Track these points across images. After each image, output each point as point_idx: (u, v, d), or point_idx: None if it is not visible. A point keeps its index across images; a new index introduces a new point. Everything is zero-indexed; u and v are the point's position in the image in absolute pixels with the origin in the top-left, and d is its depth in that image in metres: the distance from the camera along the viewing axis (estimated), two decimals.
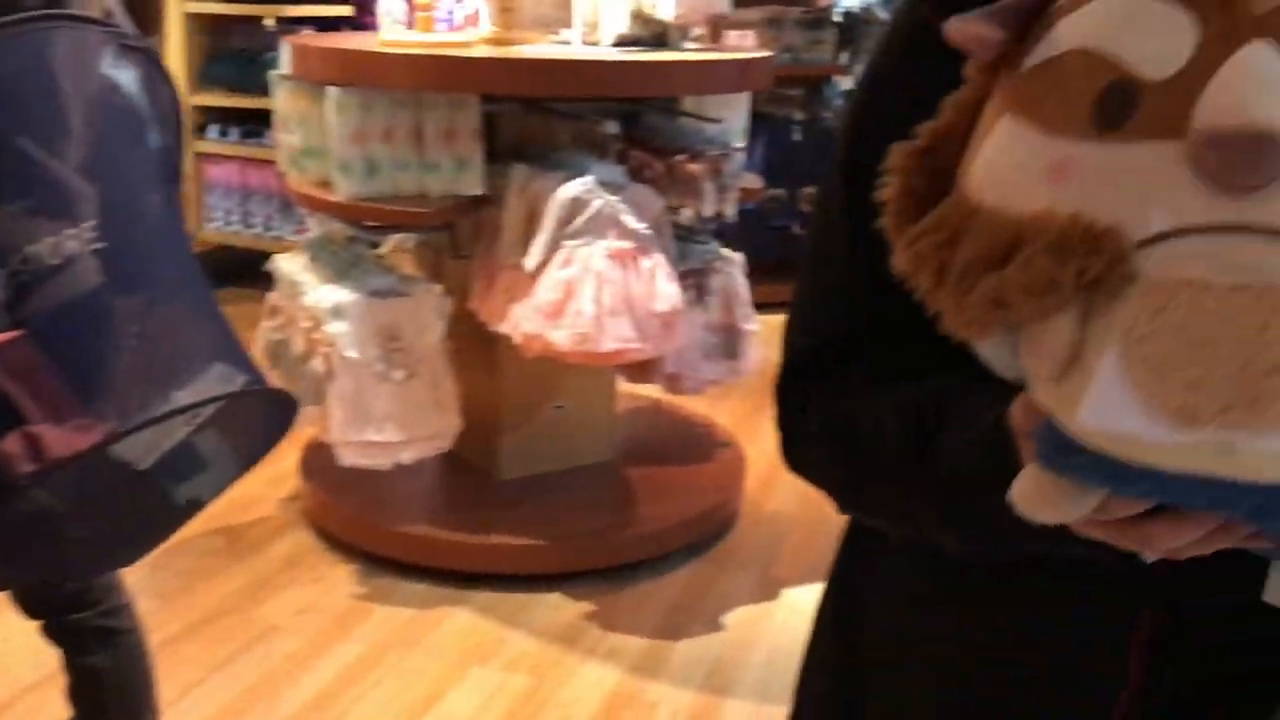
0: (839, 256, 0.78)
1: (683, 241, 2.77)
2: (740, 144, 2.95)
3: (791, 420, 0.81)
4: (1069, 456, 0.50)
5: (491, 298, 2.61)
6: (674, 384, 2.83)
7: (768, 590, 2.72)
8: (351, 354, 2.49)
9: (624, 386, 3.20)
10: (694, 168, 2.64)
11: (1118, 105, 0.50)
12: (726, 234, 3.00)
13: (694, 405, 3.43)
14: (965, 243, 0.54)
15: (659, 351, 2.54)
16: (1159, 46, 0.50)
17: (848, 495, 0.80)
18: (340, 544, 2.82)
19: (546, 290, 2.45)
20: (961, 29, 0.55)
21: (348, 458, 2.56)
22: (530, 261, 2.46)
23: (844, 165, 0.76)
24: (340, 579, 2.71)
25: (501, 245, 2.59)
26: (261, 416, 1.16)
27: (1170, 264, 0.48)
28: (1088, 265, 0.49)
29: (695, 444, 3.28)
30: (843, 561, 0.90)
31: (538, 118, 2.73)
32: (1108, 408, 0.48)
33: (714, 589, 2.73)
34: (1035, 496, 0.52)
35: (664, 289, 2.49)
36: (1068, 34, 0.53)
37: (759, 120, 4.64)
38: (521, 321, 2.49)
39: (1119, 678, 0.73)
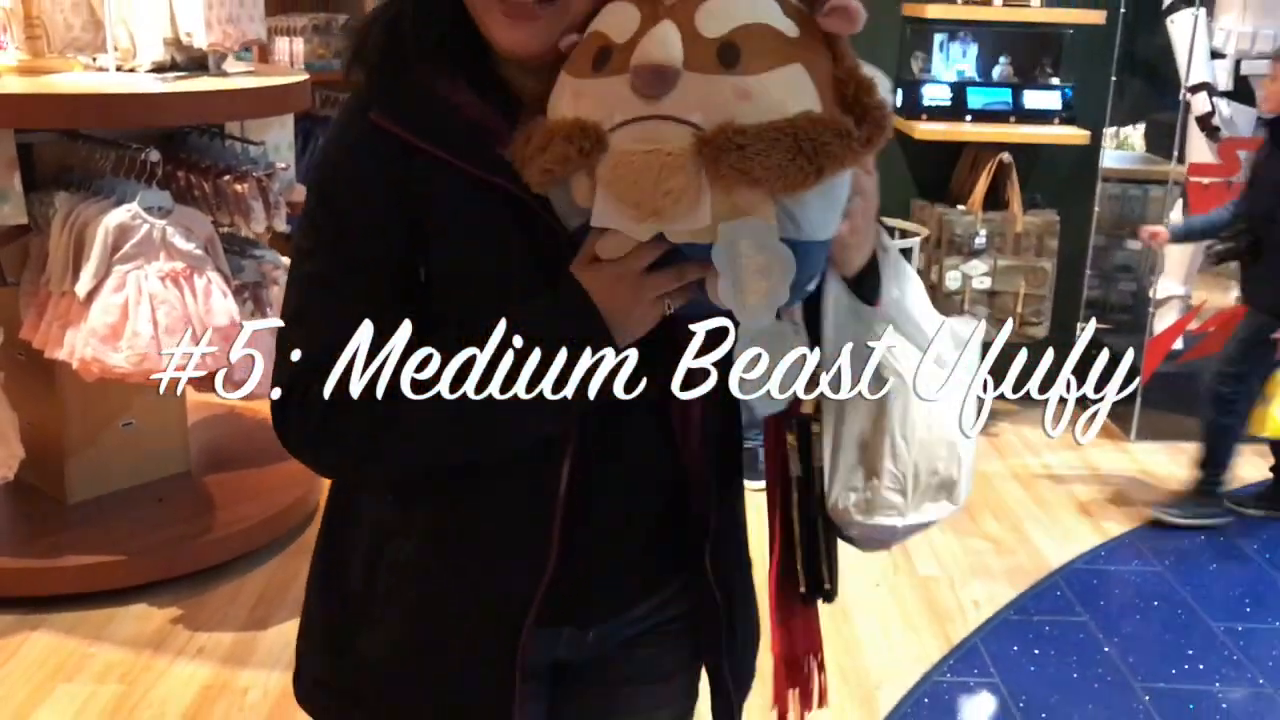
0: (340, 276, 0.99)
1: (238, 256, 2.93)
2: (286, 161, 3.13)
3: (319, 421, 0.98)
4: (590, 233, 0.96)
5: (44, 325, 2.64)
6: (239, 389, 2.98)
7: None
8: None
9: (194, 396, 3.30)
10: (240, 187, 2.80)
11: (603, 57, 0.93)
12: (284, 236, 3.15)
13: (267, 408, 3.58)
14: (533, 139, 0.94)
15: (220, 364, 2.68)
16: (621, 24, 0.94)
17: (381, 448, 0.99)
18: None
19: (101, 315, 2.53)
20: (566, 43, 0.97)
21: None
22: (81, 288, 2.53)
23: (324, 215, 1.01)
24: None
25: (50, 273, 2.64)
26: None
27: (622, 140, 0.91)
28: (583, 144, 0.91)
29: (271, 446, 3.41)
30: (328, 520, 1.16)
31: (78, 145, 2.77)
32: (603, 214, 0.92)
33: (297, 579, 2.89)
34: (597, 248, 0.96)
35: (220, 304, 2.64)
36: (592, 25, 0.98)
37: (315, 122, 4.79)
38: (78, 347, 2.55)
39: (547, 542, 1.03)
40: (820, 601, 1.15)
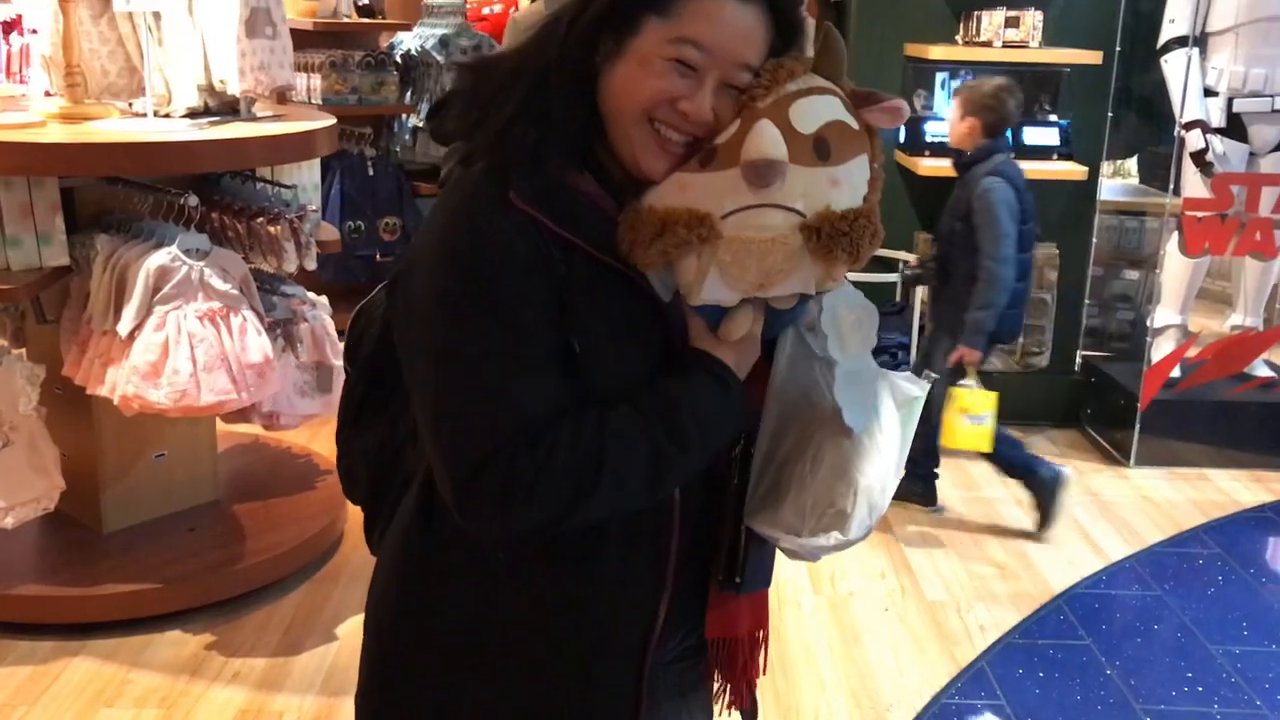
0: (515, 349, 1.06)
1: (269, 294, 3.04)
2: (315, 202, 3.24)
3: (527, 486, 1.02)
4: (705, 312, 1.11)
5: (85, 363, 2.75)
6: (272, 422, 3.09)
7: None
8: None
9: (224, 426, 3.41)
10: (274, 229, 2.91)
11: (710, 155, 1.08)
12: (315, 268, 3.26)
13: (294, 438, 3.69)
14: (643, 226, 1.08)
15: (256, 399, 2.80)
16: (729, 128, 1.08)
17: (591, 499, 1.05)
18: None
19: (142, 353, 2.64)
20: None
21: None
22: (124, 327, 2.64)
23: (479, 294, 1.06)
24: None
25: (91, 312, 2.75)
26: None
27: (735, 226, 1.05)
28: (700, 232, 1.05)
29: (298, 474, 3.54)
30: (403, 569, 1.22)
31: (118, 189, 2.88)
32: (713, 291, 1.07)
33: (327, 605, 3.03)
34: (700, 331, 1.13)
35: (255, 342, 2.75)
36: None
37: (334, 156, 4.92)
38: (119, 384, 2.66)
39: (662, 584, 1.16)
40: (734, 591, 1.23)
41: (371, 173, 5.31)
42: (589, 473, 1.04)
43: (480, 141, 1.12)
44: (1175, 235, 4.33)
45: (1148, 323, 4.38)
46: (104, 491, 3.08)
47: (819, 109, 1.08)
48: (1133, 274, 4.81)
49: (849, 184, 1.07)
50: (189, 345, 2.63)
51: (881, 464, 1.16)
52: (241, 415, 3.00)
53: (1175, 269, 4.36)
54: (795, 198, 1.04)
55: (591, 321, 1.08)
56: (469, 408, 1.04)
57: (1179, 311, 4.44)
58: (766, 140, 1.04)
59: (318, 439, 3.80)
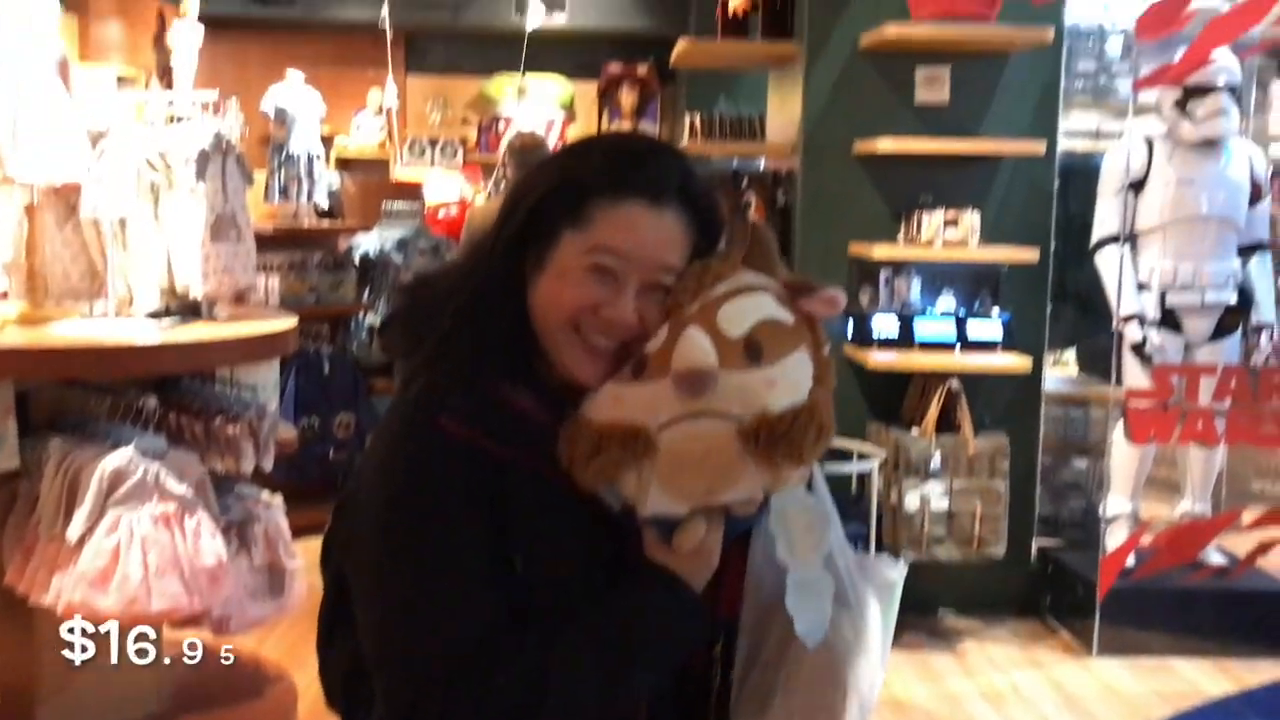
0: (454, 572, 1.06)
1: (224, 495, 2.99)
2: (274, 402, 3.24)
3: (471, 703, 1.02)
4: (655, 525, 1.08)
5: (30, 570, 2.67)
6: (222, 627, 2.98)
7: None
8: None
9: (170, 632, 3.28)
10: (232, 430, 2.89)
11: (641, 365, 1.07)
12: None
13: (243, 642, 3.56)
14: (580, 442, 1.06)
15: (208, 605, 2.72)
16: (658, 336, 1.09)
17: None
18: None
19: (92, 558, 2.57)
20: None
21: None
22: (73, 531, 2.58)
23: (412, 524, 1.08)
24: None
25: (39, 516, 2.68)
26: None
27: (671, 439, 1.03)
28: (636, 448, 1.03)
29: (246, 682, 3.41)
30: None
31: (75, 391, 2.86)
32: (658, 504, 1.04)
33: None
34: (652, 542, 1.10)
35: (209, 545, 2.69)
36: None
37: (291, 354, 4.94)
38: (64, 591, 2.58)
39: None
40: None
41: (327, 370, 5.33)
42: (532, 701, 1.02)
43: (417, 361, 1.16)
44: (1120, 424, 4.42)
45: (1100, 510, 4.42)
46: (40, 706, 2.93)
47: (747, 310, 1.07)
48: (1081, 462, 4.89)
49: (787, 382, 1.05)
50: (141, 549, 2.57)
51: (867, 661, 1.14)
52: (191, 620, 2.91)
53: (1123, 457, 4.44)
54: (729, 404, 1.02)
55: (535, 538, 1.09)
56: (407, 642, 1.06)
57: (1129, 498, 4.49)
58: (695, 349, 1.03)
59: (267, 643, 3.68)
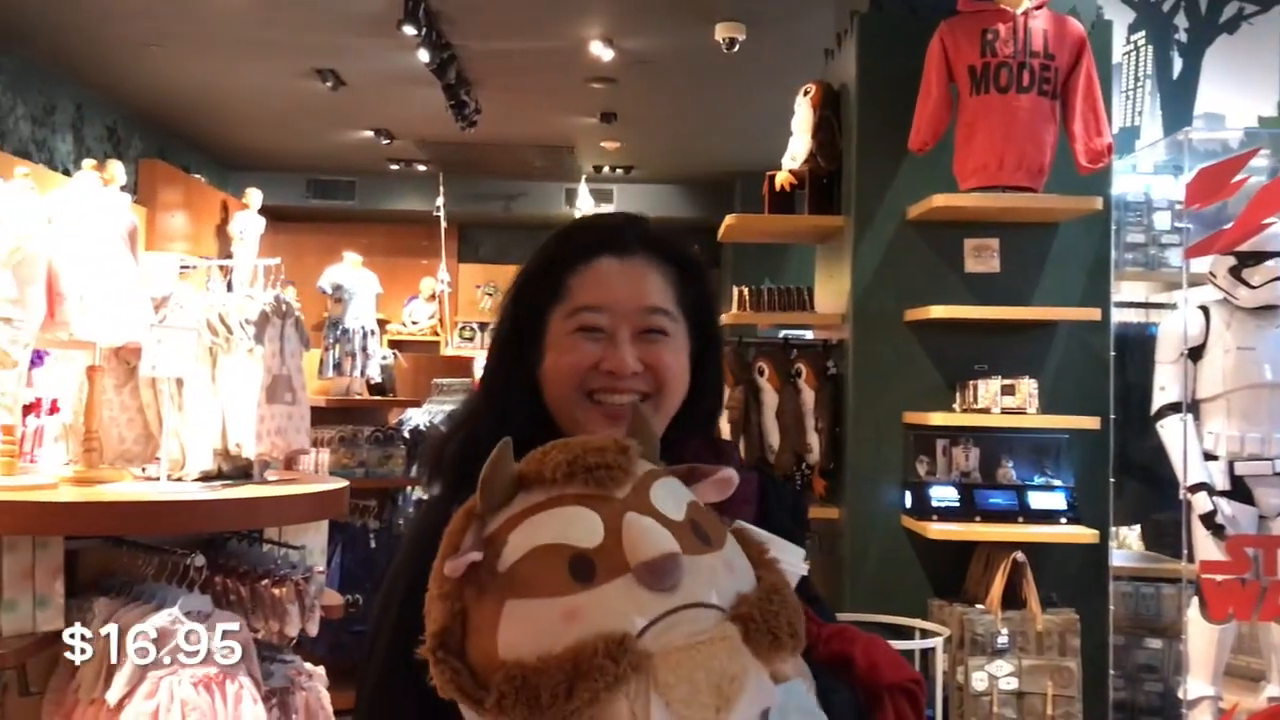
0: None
1: (266, 661, 2.90)
2: (321, 565, 3.18)
3: None
4: None
5: None
6: None
7: None
8: None
9: None
10: (278, 591, 2.82)
11: (583, 567, 0.86)
12: (309, 641, 3.14)
13: None
14: (524, 692, 0.82)
15: None
16: (586, 529, 0.88)
17: None
18: None
19: None
20: (455, 565, 0.90)
21: None
22: (113, 695, 2.49)
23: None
24: None
25: (80, 680, 2.60)
26: None
27: (661, 641, 0.83)
28: (628, 659, 0.81)
29: None
30: None
31: (122, 551, 2.83)
32: None
33: None
34: None
35: (250, 711, 2.59)
36: (523, 542, 0.90)
37: (337, 528, 4.89)
38: None
39: None
40: None
41: (374, 545, 5.26)
42: None
43: (443, 462, 1.18)
44: (1195, 601, 4.23)
45: (1179, 694, 4.18)
46: None
47: (675, 490, 0.94)
48: (1155, 642, 4.66)
49: (739, 566, 0.92)
50: (181, 714, 2.47)
51: None
52: None
53: (1201, 636, 4.23)
54: (707, 590, 0.87)
55: None
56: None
57: (1210, 682, 4.25)
58: (651, 534, 0.86)
59: None
